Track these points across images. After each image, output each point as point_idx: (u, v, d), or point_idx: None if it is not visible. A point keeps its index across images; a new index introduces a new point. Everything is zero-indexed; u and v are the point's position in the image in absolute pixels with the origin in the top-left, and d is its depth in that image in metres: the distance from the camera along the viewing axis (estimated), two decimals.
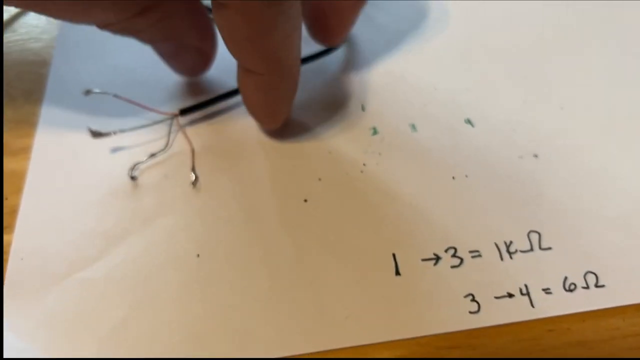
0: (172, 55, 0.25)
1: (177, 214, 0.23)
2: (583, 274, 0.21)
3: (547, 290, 0.20)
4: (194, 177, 0.24)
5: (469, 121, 0.25)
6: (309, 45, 0.25)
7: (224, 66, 0.25)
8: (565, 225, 0.22)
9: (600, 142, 0.24)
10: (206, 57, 0.25)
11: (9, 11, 0.31)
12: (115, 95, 0.24)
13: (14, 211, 0.23)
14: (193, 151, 0.24)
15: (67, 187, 0.24)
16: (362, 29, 0.29)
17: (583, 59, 0.28)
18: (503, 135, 0.25)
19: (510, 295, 0.20)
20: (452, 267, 0.21)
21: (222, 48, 0.23)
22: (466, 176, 0.23)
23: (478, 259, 0.21)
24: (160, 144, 0.24)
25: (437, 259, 0.21)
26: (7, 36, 0.30)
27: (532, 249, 0.21)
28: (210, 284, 0.21)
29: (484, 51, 0.28)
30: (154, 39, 0.23)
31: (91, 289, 0.21)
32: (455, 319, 0.20)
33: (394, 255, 0.21)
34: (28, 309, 0.21)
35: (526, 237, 0.22)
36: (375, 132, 0.25)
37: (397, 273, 0.21)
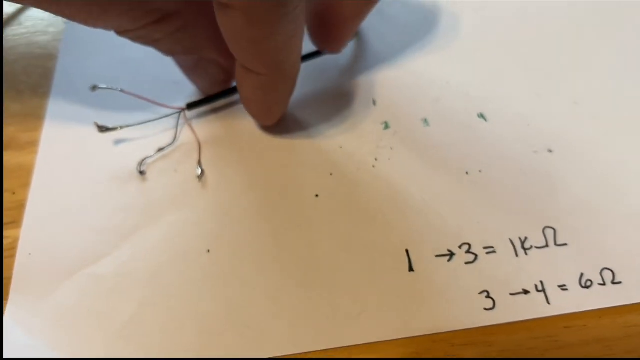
0: (191, 69, 0.24)
1: (187, 209, 0.22)
2: (599, 270, 0.20)
3: (563, 287, 0.20)
4: (200, 171, 0.23)
5: (482, 115, 0.25)
6: (308, 44, 0.25)
7: None
8: (581, 221, 0.22)
9: (616, 136, 0.24)
10: (226, 73, 0.24)
11: (15, 4, 0.30)
12: (122, 90, 0.24)
13: (22, 206, 0.23)
14: (200, 145, 0.24)
15: (74, 181, 0.23)
16: (372, 22, 0.28)
17: (597, 53, 0.27)
18: (517, 130, 0.24)
19: (526, 292, 0.20)
20: (467, 263, 0.21)
21: None
22: (480, 171, 0.23)
23: (493, 255, 0.21)
24: (168, 138, 0.24)
25: (451, 255, 0.21)
26: (14, 29, 0.29)
27: (547, 245, 0.21)
28: (220, 280, 0.21)
29: (497, 45, 0.28)
30: (173, 50, 0.23)
31: (100, 284, 0.21)
32: (470, 315, 0.20)
33: (407, 251, 0.21)
34: (36, 304, 0.20)
35: (541, 232, 0.21)
36: (387, 126, 0.25)
37: (411, 269, 0.21)
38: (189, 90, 0.26)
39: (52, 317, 0.20)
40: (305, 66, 0.26)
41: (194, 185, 0.23)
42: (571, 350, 0.19)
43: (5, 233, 0.22)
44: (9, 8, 0.30)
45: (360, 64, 0.27)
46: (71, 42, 0.29)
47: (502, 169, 0.23)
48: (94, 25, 0.20)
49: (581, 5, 0.29)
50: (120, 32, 0.21)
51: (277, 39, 0.19)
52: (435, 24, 0.29)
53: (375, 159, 0.24)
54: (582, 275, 0.20)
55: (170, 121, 0.25)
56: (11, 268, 0.21)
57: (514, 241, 0.21)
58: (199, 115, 0.25)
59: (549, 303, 0.20)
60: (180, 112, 0.24)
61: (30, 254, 0.21)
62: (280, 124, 0.25)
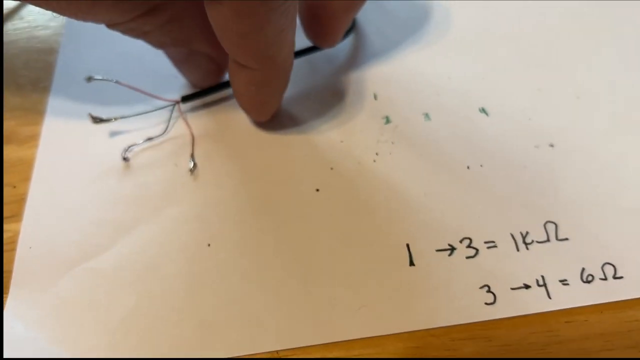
0: (182, 61, 0.24)
1: (187, 203, 0.22)
2: (601, 265, 0.20)
3: (564, 282, 0.20)
4: (192, 164, 0.23)
5: (483, 110, 0.25)
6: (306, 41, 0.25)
7: None
8: (582, 215, 0.21)
9: (618, 131, 0.24)
10: (217, 65, 0.24)
11: None
12: (117, 82, 0.24)
13: (22, 199, 0.23)
14: (193, 138, 0.24)
15: (75, 175, 0.23)
16: (372, 16, 0.28)
17: (600, 46, 0.27)
18: (518, 124, 0.24)
19: (527, 287, 0.20)
20: (467, 257, 0.21)
21: None
22: (481, 166, 0.23)
23: (494, 249, 0.21)
24: (171, 133, 0.24)
25: (452, 249, 0.21)
26: (14, 23, 0.29)
27: (548, 240, 0.21)
28: (221, 274, 0.21)
29: (498, 38, 0.27)
30: (162, 42, 0.22)
31: (100, 278, 0.21)
32: (471, 310, 0.19)
33: (407, 245, 0.21)
34: (36, 298, 0.20)
35: (542, 227, 0.21)
36: (388, 121, 0.25)
37: (412, 264, 0.21)
38: (191, 84, 0.26)
39: (53, 310, 0.20)
40: (305, 61, 0.26)
41: (197, 180, 0.23)
42: (572, 345, 0.19)
43: (6, 227, 0.22)
44: (9, 2, 0.30)
45: (361, 58, 0.27)
46: (72, 36, 0.29)
47: (503, 164, 0.23)
48: (84, 19, 0.19)
49: None
50: (111, 26, 0.20)
51: (267, 34, 0.18)
52: (435, 18, 0.28)
53: (376, 154, 0.23)
54: (583, 269, 0.20)
55: (167, 114, 0.24)
56: (11, 262, 0.21)
57: (515, 236, 0.21)
58: (199, 108, 0.25)
59: (550, 298, 0.20)
60: (174, 105, 0.24)
61: (30, 247, 0.21)
62: (281, 118, 0.25)
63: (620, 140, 0.24)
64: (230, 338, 0.19)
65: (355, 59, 0.27)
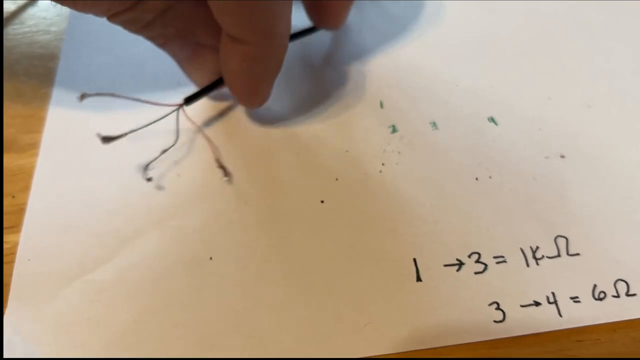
0: (188, 59, 0.24)
1: (189, 214, 0.22)
2: (613, 281, 0.20)
3: (575, 299, 0.19)
4: (224, 173, 0.23)
5: (492, 119, 0.24)
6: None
7: None
8: (594, 229, 0.21)
9: (630, 142, 0.23)
10: None
11: (17, 2, 0.30)
12: (113, 94, 0.23)
13: (21, 210, 0.22)
14: (210, 143, 0.24)
15: (75, 185, 0.23)
16: (378, 21, 0.28)
17: (610, 54, 0.26)
18: (528, 135, 0.24)
19: (537, 304, 0.19)
20: (476, 273, 0.20)
21: None
22: (490, 177, 0.22)
23: (503, 264, 0.20)
24: (169, 137, 0.23)
25: (460, 264, 0.20)
26: (15, 28, 0.29)
27: (559, 255, 0.20)
28: (222, 287, 0.20)
29: (507, 47, 0.27)
30: (166, 35, 0.22)
31: (100, 291, 0.20)
32: (479, 328, 0.19)
33: (414, 260, 0.20)
34: (35, 311, 0.20)
35: (553, 242, 0.21)
36: (394, 130, 0.24)
37: (418, 279, 0.20)
38: (191, 89, 0.25)
39: (51, 323, 0.20)
40: (308, 67, 0.26)
41: (197, 191, 0.23)
42: None
43: (5, 238, 0.22)
44: (10, 6, 0.30)
45: (367, 66, 0.26)
46: (73, 42, 0.28)
47: (512, 175, 0.22)
48: (83, 9, 0.19)
49: (594, 5, 0.28)
50: (111, 17, 0.20)
51: (267, 1, 0.18)
52: (444, 25, 0.28)
53: (383, 164, 0.23)
54: (595, 286, 0.20)
55: (171, 120, 0.24)
56: (10, 274, 0.21)
57: (524, 250, 0.21)
58: (199, 111, 0.25)
59: (560, 315, 0.19)
60: (178, 108, 0.24)
61: (29, 259, 0.21)
62: (285, 127, 0.24)
63: (633, 150, 0.23)
64: (231, 354, 0.19)
65: (361, 67, 0.26)
